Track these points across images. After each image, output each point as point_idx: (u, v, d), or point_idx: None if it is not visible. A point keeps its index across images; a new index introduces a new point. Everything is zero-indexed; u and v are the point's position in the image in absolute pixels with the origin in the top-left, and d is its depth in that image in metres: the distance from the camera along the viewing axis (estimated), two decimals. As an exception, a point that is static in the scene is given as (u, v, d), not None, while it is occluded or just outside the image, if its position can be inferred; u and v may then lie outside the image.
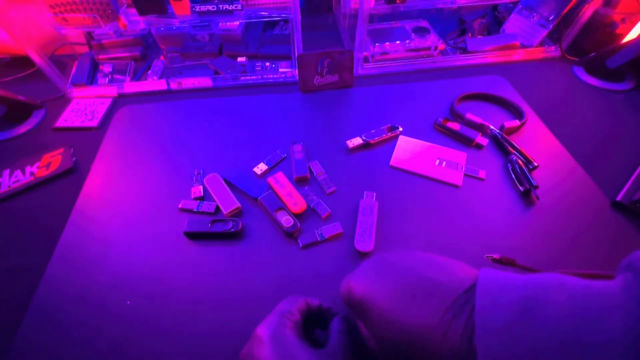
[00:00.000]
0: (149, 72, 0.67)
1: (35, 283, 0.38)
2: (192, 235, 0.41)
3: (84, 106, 0.61)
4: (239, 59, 0.69)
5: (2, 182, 0.49)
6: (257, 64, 0.68)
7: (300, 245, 0.40)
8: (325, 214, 0.42)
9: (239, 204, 0.43)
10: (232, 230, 0.40)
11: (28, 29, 0.56)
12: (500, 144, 0.49)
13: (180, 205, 0.44)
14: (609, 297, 0.17)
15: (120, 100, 0.63)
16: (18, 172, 0.50)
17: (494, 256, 0.33)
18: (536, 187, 0.43)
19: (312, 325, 0.30)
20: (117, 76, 0.67)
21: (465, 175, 0.46)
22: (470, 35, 0.73)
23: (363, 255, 0.39)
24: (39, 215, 0.46)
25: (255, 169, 0.48)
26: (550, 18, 0.64)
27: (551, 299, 0.18)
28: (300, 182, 0.47)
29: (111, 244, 0.41)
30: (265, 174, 0.48)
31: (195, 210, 0.44)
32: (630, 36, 0.60)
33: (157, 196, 0.46)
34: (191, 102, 0.61)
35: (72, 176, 0.50)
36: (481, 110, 0.55)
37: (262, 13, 0.60)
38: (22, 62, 0.69)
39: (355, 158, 0.49)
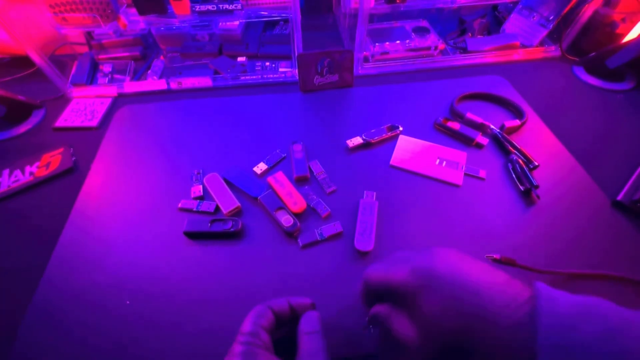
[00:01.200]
0: (149, 71, 0.67)
1: (34, 283, 0.38)
2: (192, 235, 0.41)
3: (83, 106, 0.61)
4: (239, 59, 0.69)
5: (1, 182, 0.49)
6: (257, 64, 0.68)
7: (300, 244, 0.40)
8: (325, 214, 0.42)
9: (238, 204, 0.43)
10: (232, 229, 0.40)
11: (28, 29, 0.56)
12: (501, 144, 0.49)
13: (180, 205, 0.44)
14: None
15: (120, 100, 0.63)
16: (18, 172, 0.50)
17: (494, 256, 0.33)
18: (536, 187, 0.43)
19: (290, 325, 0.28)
20: (117, 76, 0.67)
21: (465, 174, 0.46)
22: (470, 35, 0.73)
23: (363, 254, 0.39)
24: (39, 215, 0.46)
25: (255, 169, 0.48)
26: (550, 18, 0.64)
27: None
28: (300, 182, 0.47)
29: (111, 244, 0.41)
30: (265, 173, 0.48)
31: (195, 209, 0.43)
32: (630, 36, 0.60)
33: (156, 196, 0.46)
34: (191, 102, 0.61)
35: (71, 176, 0.50)
36: (481, 110, 0.55)
37: (262, 13, 0.60)
38: (22, 62, 0.69)
39: (355, 157, 0.49)
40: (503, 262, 0.33)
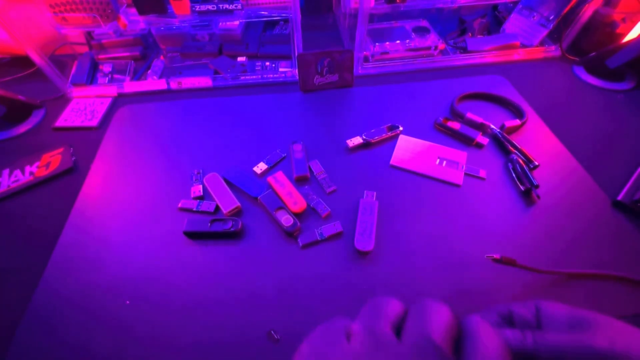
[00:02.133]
0: (149, 71, 0.67)
1: (34, 283, 0.38)
2: (192, 235, 0.41)
3: (83, 106, 0.61)
4: (239, 59, 0.69)
5: (1, 182, 0.49)
6: (257, 64, 0.68)
7: (300, 244, 0.40)
8: (325, 214, 0.42)
9: (238, 203, 0.43)
10: (232, 229, 0.40)
11: (28, 29, 0.56)
12: (501, 143, 0.49)
13: (179, 205, 0.44)
14: None
15: (120, 100, 0.63)
16: (17, 172, 0.50)
17: (495, 256, 0.33)
18: (537, 187, 0.43)
19: None
20: (117, 76, 0.67)
21: (465, 174, 0.46)
22: (470, 35, 0.72)
23: (363, 254, 0.39)
24: (38, 215, 0.45)
25: (255, 169, 0.48)
26: (551, 18, 0.64)
27: None
28: (300, 182, 0.46)
29: (110, 244, 0.41)
30: (265, 173, 0.48)
31: (194, 209, 0.43)
32: (631, 36, 0.59)
33: (156, 196, 0.46)
34: (191, 101, 0.61)
35: (71, 176, 0.50)
36: (481, 110, 0.55)
37: (262, 13, 0.60)
38: (22, 62, 0.69)
39: (355, 157, 0.49)
40: (503, 262, 0.33)
